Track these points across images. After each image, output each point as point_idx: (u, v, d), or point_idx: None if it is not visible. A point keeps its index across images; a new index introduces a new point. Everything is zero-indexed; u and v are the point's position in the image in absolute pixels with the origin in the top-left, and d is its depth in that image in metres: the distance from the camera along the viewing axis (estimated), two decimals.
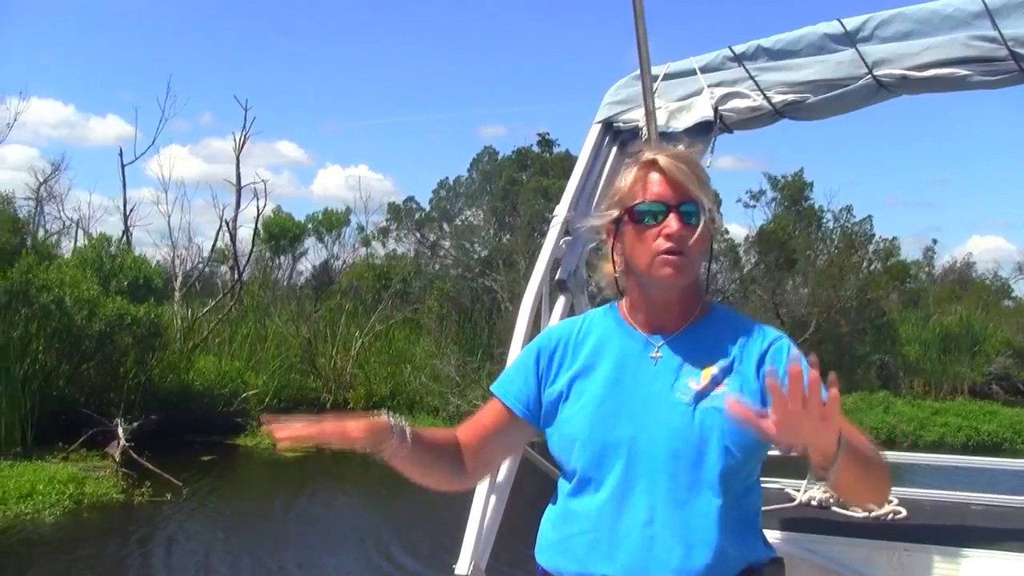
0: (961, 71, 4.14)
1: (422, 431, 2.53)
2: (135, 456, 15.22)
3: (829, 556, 4.27)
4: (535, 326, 4.01)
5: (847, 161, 56.13)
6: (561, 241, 4.30)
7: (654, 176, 2.50)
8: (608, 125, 4.65)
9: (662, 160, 2.50)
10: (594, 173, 4.56)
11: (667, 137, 4.35)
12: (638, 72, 4.13)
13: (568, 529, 2.50)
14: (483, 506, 3.47)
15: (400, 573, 11.25)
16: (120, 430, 15.77)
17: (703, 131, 4.44)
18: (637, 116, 4.46)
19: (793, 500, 4.65)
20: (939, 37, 4.18)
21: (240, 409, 18.99)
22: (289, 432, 2.30)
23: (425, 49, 63.73)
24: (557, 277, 4.24)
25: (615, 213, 2.55)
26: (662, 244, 2.45)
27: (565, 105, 57.99)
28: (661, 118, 4.37)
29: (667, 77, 4.57)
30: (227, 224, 23.89)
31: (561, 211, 4.35)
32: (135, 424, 16.01)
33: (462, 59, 63.78)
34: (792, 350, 2.49)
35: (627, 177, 2.56)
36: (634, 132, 4.54)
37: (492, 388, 2.74)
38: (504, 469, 3.57)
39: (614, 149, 4.66)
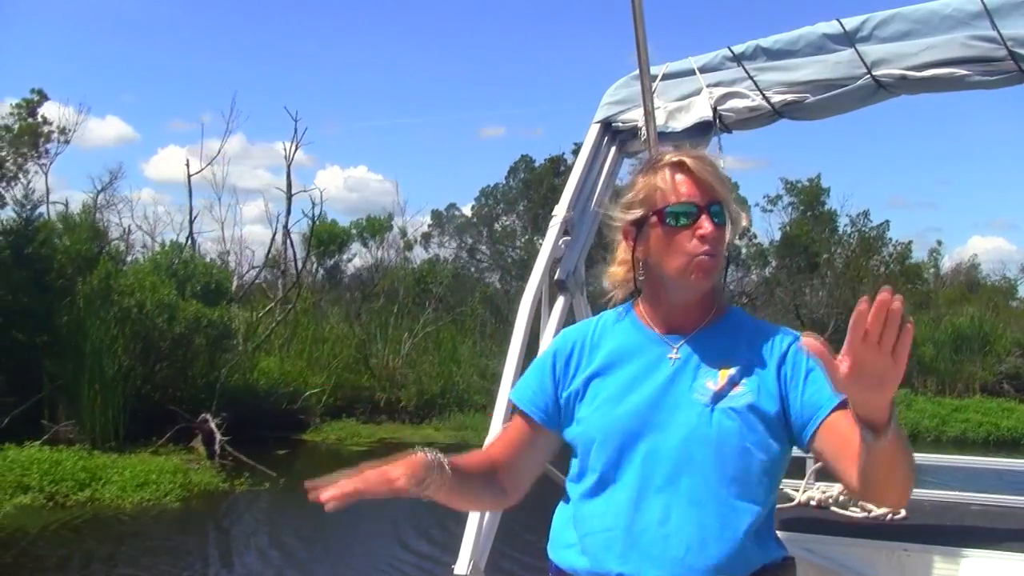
0: (960, 71, 4.05)
1: (458, 459, 2.40)
2: (230, 449, 16.17)
3: (828, 556, 4.13)
4: (534, 326, 3.96)
5: (849, 161, 55.74)
6: (560, 241, 4.23)
7: (681, 177, 2.41)
8: (607, 125, 4.58)
9: (690, 161, 2.41)
10: (593, 173, 4.50)
11: (666, 137, 4.30)
12: (637, 72, 4.06)
13: (584, 527, 2.42)
14: None
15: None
16: (213, 425, 16.61)
17: (702, 131, 4.37)
18: (636, 116, 4.39)
19: (792, 500, 4.49)
20: (938, 37, 4.09)
21: (302, 407, 19.65)
22: (333, 492, 2.11)
23: (425, 51, 62.71)
24: (556, 277, 4.17)
25: (638, 213, 2.44)
26: (698, 246, 2.36)
27: (565, 106, 57.50)
28: (660, 118, 4.29)
29: (666, 77, 4.51)
30: (287, 231, 24.73)
31: (560, 211, 4.28)
32: (212, 421, 16.80)
33: (462, 61, 62.67)
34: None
35: (652, 178, 2.45)
36: (633, 132, 4.48)
37: (510, 395, 2.68)
38: None
39: (613, 149, 4.60)
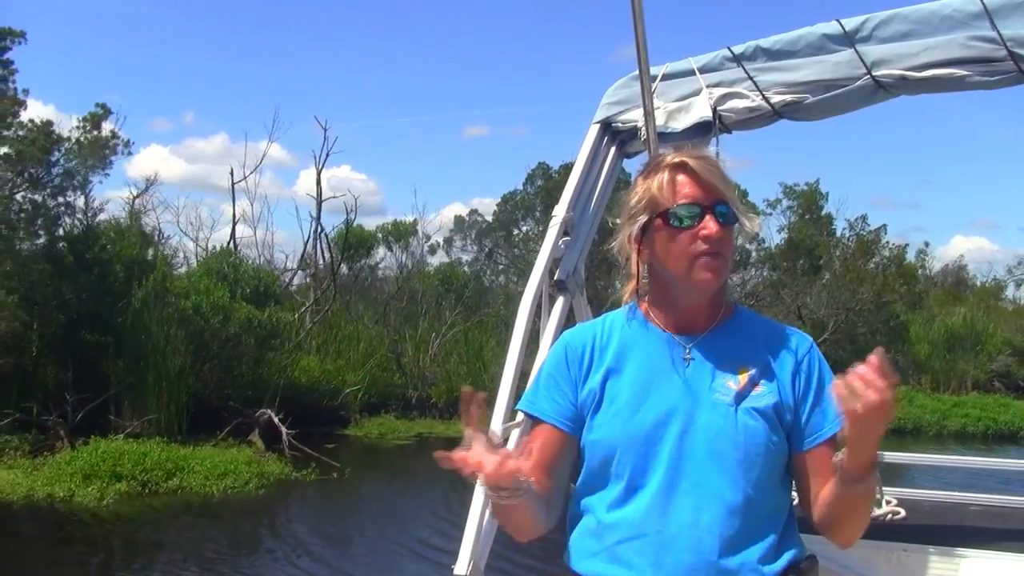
0: (960, 71, 3.89)
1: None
2: (296, 443, 16.58)
3: (828, 556, 3.90)
4: (534, 326, 3.82)
5: (836, 161, 54.92)
6: (560, 241, 4.07)
7: (683, 178, 2.29)
8: (607, 125, 4.42)
9: (692, 161, 2.29)
10: (593, 173, 4.34)
11: (665, 137, 4.14)
12: (636, 72, 3.93)
13: (613, 536, 2.30)
14: (482, 506, 3.27)
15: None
16: (277, 420, 17.06)
17: (701, 131, 4.21)
18: (636, 116, 4.23)
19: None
20: (938, 37, 3.93)
21: (342, 403, 19.97)
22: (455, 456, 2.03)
23: (409, 51, 61.68)
24: (556, 277, 4.02)
25: (644, 218, 2.32)
26: (700, 247, 2.25)
27: (550, 106, 56.75)
28: (659, 118, 4.14)
29: (666, 77, 4.35)
30: (325, 236, 24.74)
31: (560, 211, 4.13)
32: (276, 416, 17.25)
33: (445, 60, 61.72)
34: (822, 359, 2.38)
35: (653, 180, 2.32)
36: (633, 132, 4.32)
37: (531, 411, 2.45)
38: None
39: (612, 149, 4.44)
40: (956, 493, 4.73)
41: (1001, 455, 18.48)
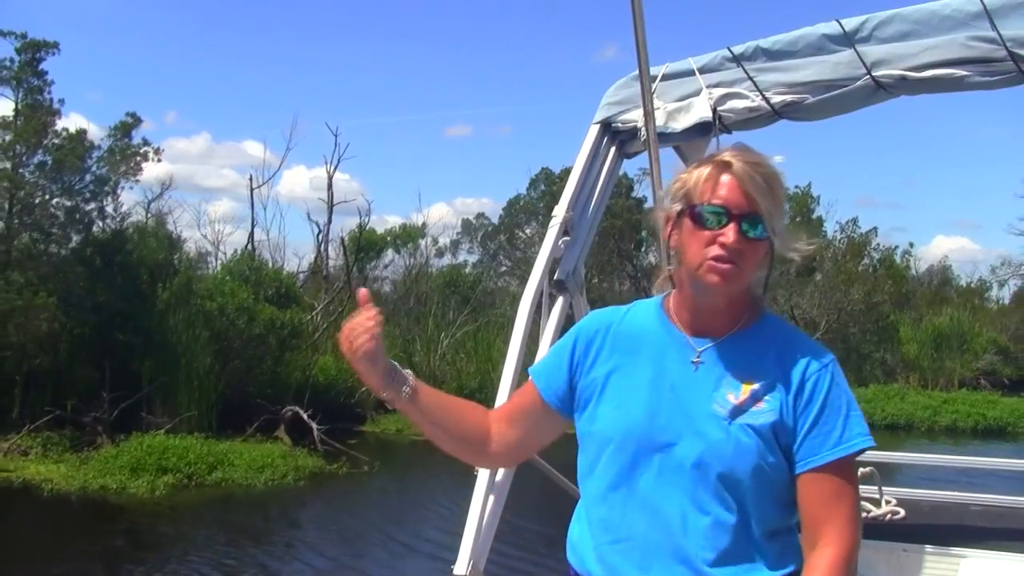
0: (960, 72, 3.67)
1: (436, 393, 2.39)
2: (326, 438, 16.75)
3: None
4: (534, 326, 3.65)
5: (821, 161, 53.56)
6: (560, 241, 3.90)
7: (724, 178, 2.12)
8: (607, 126, 4.23)
9: (736, 164, 2.12)
10: (592, 173, 4.15)
11: (665, 138, 3.98)
12: (636, 73, 3.78)
13: (600, 536, 2.22)
14: (481, 506, 3.17)
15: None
16: (306, 416, 17.26)
17: (702, 132, 4.01)
18: (636, 117, 4.05)
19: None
20: (938, 38, 3.71)
21: (358, 401, 20.01)
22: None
23: (392, 50, 60.86)
24: (556, 277, 3.85)
25: (678, 207, 2.19)
26: (715, 251, 2.09)
27: (533, 106, 56.09)
28: (659, 119, 3.95)
29: (665, 78, 4.15)
30: (341, 240, 24.81)
31: (560, 211, 3.96)
32: (305, 413, 17.38)
33: (428, 60, 60.73)
34: (836, 380, 2.13)
35: (697, 172, 2.18)
36: (633, 133, 4.13)
37: (530, 371, 2.45)
38: (502, 469, 3.24)
39: (612, 149, 4.24)
40: (956, 493, 4.59)
41: (992, 449, 18.45)
